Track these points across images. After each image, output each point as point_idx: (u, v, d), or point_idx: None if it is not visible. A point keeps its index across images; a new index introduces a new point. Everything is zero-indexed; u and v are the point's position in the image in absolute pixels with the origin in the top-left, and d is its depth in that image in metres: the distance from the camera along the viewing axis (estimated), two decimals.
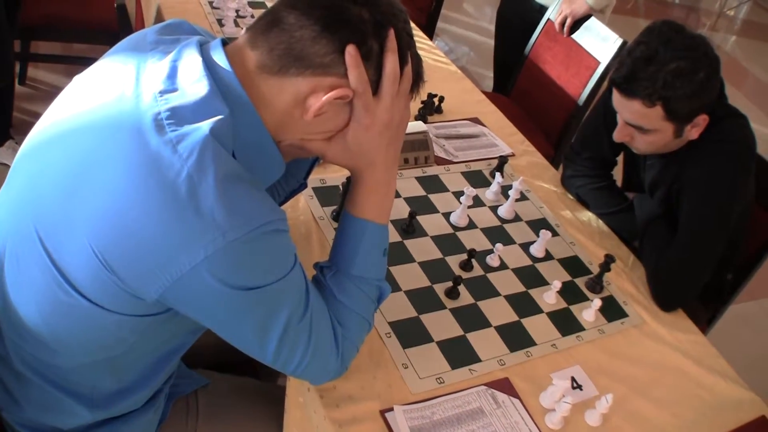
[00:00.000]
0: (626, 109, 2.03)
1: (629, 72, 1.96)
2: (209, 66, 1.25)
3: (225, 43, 1.32)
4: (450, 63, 3.17)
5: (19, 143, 3.36)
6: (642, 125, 2.03)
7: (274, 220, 1.21)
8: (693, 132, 2.05)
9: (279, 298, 1.28)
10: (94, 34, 3.76)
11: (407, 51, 1.35)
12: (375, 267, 1.50)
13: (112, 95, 1.24)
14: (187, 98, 1.21)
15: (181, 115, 1.18)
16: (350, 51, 1.24)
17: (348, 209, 1.49)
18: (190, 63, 1.25)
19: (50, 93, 1.28)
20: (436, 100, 2.68)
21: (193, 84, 1.22)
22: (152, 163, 1.14)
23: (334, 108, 1.30)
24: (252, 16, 3.00)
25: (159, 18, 2.90)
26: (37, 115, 1.38)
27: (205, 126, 1.17)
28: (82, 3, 3.84)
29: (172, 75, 1.24)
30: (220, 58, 1.27)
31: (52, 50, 4.43)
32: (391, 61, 1.31)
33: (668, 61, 1.91)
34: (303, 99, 1.27)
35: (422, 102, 2.63)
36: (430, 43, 3.29)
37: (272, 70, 1.26)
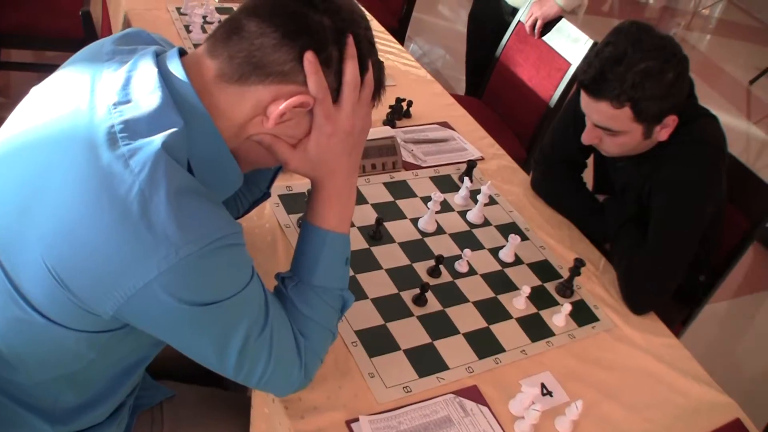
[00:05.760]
0: (594, 110, 2.01)
1: (597, 73, 1.94)
2: (165, 76, 1.23)
3: (182, 52, 1.30)
4: (420, 67, 3.15)
5: None
6: (610, 127, 2.01)
7: (228, 234, 1.19)
8: (662, 133, 2.04)
9: (237, 312, 1.26)
10: (63, 42, 3.72)
11: (368, 58, 1.34)
12: (337, 277, 1.48)
13: (66, 108, 1.23)
14: (141, 110, 1.19)
15: (134, 128, 1.17)
16: (308, 57, 1.23)
17: (308, 219, 1.47)
18: (145, 74, 1.24)
19: None
20: (404, 104, 2.66)
21: (148, 95, 1.20)
22: (104, 178, 1.12)
23: (295, 116, 1.29)
24: (219, 22, 2.97)
25: (126, 25, 2.87)
26: None
27: (157, 140, 1.15)
28: (51, 10, 3.80)
29: (127, 86, 1.22)
30: (176, 68, 1.25)
31: (24, 58, 4.39)
32: (350, 68, 1.29)
33: (637, 62, 1.90)
34: (264, 107, 1.25)
35: (390, 106, 2.61)
36: (399, 47, 3.26)
37: (232, 78, 1.24)
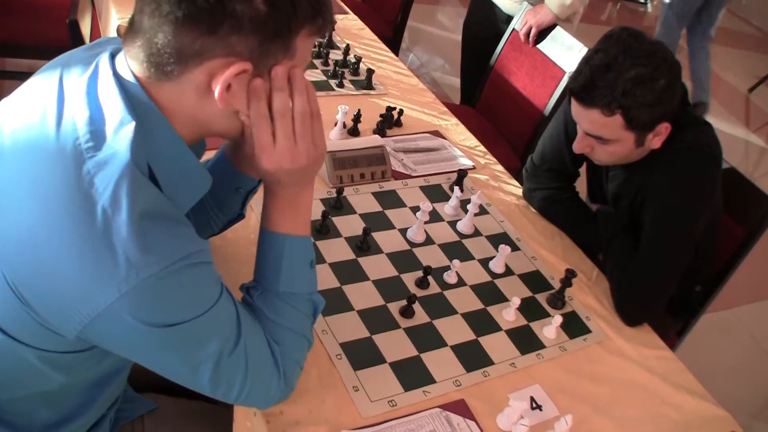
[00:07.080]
0: (585, 118, 1.98)
1: (587, 80, 1.91)
2: (119, 79, 1.19)
3: None
4: (411, 75, 3.13)
5: None
6: (602, 135, 1.98)
7: (192, 252, 1.16)
8: (655, 141, 2.00)
9: (206, 331, 1.23)
10: (51, 51, 3.70)
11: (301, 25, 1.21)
12: (303, 281, 1.44)
13: (33, 121, 1.20)
14: (104, 118, 1.16)
15: (99, 137, 1.14)
16: (255, 84, 1.20)
17: (264, 225, 1.43)
18: (104, 78, 1.20)
19: None
20: (395, 113, 2.63)
21: (108, 101, 1.18)
22: (68, 195, 1.11)
23: (243, 84, 1.21)
24: None
25: (118, 34, 2.85)
26: None
27: (122, 154, 1.12)
28: (39, 19, 3.80)
29: (90, 94, 1.19)
30: (123, 69, 1.20)
31: (19, 67, 4.38)
32: (278, 99, 1.25)
33: (627, 69, 1.87)
34: (206, 88, 1.18)
35: (381, 115, 2.59)
36: (392, 55, 3.25)
37: (159, 77, 1.18)
